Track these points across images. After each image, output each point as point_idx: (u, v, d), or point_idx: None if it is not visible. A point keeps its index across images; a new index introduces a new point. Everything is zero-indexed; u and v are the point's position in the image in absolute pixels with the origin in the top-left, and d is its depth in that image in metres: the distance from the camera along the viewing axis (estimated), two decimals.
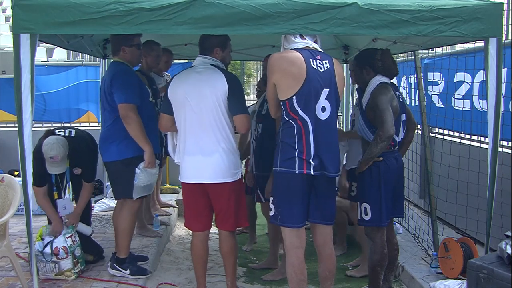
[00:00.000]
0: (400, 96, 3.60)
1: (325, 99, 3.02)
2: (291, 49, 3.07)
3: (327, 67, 3.04)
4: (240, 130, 3.40)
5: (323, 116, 3.02)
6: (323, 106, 3.02)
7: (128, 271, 3.89)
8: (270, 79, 3.07)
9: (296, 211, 3.10)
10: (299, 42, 3.07)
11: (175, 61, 6.84)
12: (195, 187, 3.40)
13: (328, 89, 3.02)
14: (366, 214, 3.50)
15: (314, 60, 3.00)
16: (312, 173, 3.02)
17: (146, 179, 3.78)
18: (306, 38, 3.09)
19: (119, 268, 3.90)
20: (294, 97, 2.97)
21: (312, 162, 3.00)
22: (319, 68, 3.00)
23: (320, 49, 3.12)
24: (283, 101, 3.02)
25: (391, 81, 3.63)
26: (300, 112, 2.98)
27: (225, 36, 3.35)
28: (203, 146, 3.31)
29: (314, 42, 3.12)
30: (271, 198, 3.22)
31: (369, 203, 3.48)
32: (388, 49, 3.77)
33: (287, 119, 3.04)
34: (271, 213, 3.19)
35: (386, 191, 3.47)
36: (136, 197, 3.83)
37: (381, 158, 3.43)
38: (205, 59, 3.39)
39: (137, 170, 3.73)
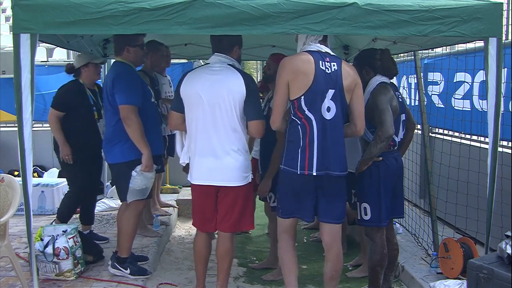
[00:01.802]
0: (400, 96, 3.60)
1: (330, 99, 3.06)
2: (303, 51, 3.13)
3: (334, 69, 3.08)
4: (255, 135, 3.39)
5: (329, 116, 3.07)
6: (328, 107, 3.07)
7: (128, 271, 3.89)
8: (282, 80, 3.08)
9: (295, 206, 3.18)
10: (313, 45, 3.12)
11: (175, 61, 6.85)
12: (206, 188, 3.36)
13: (333, 90, 3.07)
14: (365, 214, 3.50)
15: (322, 62, 3.07)
16: (315, 174, 3.05)
17: (142, 183, 3.75)
18: (321, 43, 3.12)
19: (120, 268, 3.89)
20: (302, 97, 3.04)
21: (315, 161, 3.04)
22: (326, 69, 3.06)
23: (332, 53, 3.16)
24: (292, 101, 3.08)
25: (391, 81, 3.64)
26: (307, 112, 3.05)
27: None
28: (216, 147, 3.27)
29: (326, 46, 3.16)
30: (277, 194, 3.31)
31: (369, 203, 3.48)
32: (388, 49, 3.78)
33: (293, 118, 3.10)
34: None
35: (386, 191, 3.47)
36: (130, 200, 3.80)
37: (381, 158, 3.43)
38: (222, 58, 3.33)
39: (133, 173, 3.71)
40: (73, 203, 4.53)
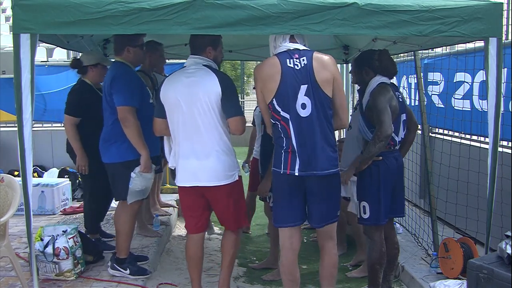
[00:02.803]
0: (400, 96, 3.61)
1: (304, 95, 3.00)
2: (274, 54, 3.11)
3: (304, 63, 3.02)
4: (235, 132, 3.33)
5: (304, 113, 3.00)
6: (303, 103, 3.00)
7: (128, 271, 3.89)
8: (256, 89, 3.13)
9: (285, 211, 3.13)
10: (282, 46, 3.09)
11: (175, 61, 6.85)
12: (191, 190, 3.37)
13: (306, 85, 2.99)
14: (364, 213, 3.52)
15: (290, 60, 3.02)
16: (297, 174, 3.00)
17: (141, 184, 3.76)
18: (291, 42, 3.09)
19: (119, 268, 3.89)
20: (274, 99, 3.01)
21: (297, 161, 3.00)
22: (295, 66, 3.01)
23: (302, 47, 3.09)
24: (268, 105, 3.07)
25: (391, 81, 3.65)
26: (282, 113, 3.02)
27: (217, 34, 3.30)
28: (198, 149, 3.27)
29: (299, 43, 3.11)
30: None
31: (368, 202, 3.50)
32: (386, 49, 3.78)
33: (273, 121, 3.09)
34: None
35: (386, 191, 3.48)
36: (130, 201, 3.80)
37: (381, 158, 3.44)
38: (197, 59, 3.33)
39: (132, 174, 3.72)
40: (95, 210, 4.53)
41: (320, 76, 3.01)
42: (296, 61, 3.02)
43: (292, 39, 3.10)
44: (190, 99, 3.23)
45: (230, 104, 3.26)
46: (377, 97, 3.41)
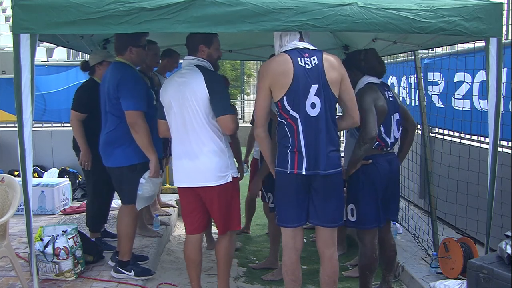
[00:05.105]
0: (391, 96, 3.55)
1: (315, 95, 3.00)
2: (281, 52, 3.09)
3: (315, 63, 3.02)
4: (225, 131, 3.29)
5: (313, 112, 3.00)
6: (313, 103, 3.00)
7: (132, 273, 3.87)
8: (263, 85, 3.06)
9: (290, 211, 3.10)
10: (290, 44, 3.08)
11: None
12: (187, 190, 3.38)
13: (317, 85, 2.99)
14: (352, 216, 3.50)
15: (301, 58, 3.01)
16: (304, 173, 3.00)
17: (151, 189, 3.71)
18: (299, 40, 3.08)
19: (123, 271, 3.87)
20: (284, 97, 2.99)
21: (304, 160, 2.99)
22: (306, 65, 3.00)
23: (311, 47, 3.09)
24: (276, 103, 3.05)
25: (381, 81, 3.61)
26: (291, 111, 3.00)
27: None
28: (188, 149, 3.28)
29: (303, 42, 3.10)
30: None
31: (356, 205, 3.47)
32: (373, 48, 3.74)
33: (280, 119, 3.07)
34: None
35: (375, 195, 3.44)
36: (140, 207, 3.77)
37: (370, 161, 3.41)
38: (191, 60, 3.33)
39: (142, 180, 3.64)
40: (98, 209, 4.51)
41: (330, 77, 3.02)
42: (307, 61, 3.01)
43: (301, 38, 3.10)
44: (179, 100, 3.25)
45: (217, 103, 3.22)
46: (362, 97, 3.36)
